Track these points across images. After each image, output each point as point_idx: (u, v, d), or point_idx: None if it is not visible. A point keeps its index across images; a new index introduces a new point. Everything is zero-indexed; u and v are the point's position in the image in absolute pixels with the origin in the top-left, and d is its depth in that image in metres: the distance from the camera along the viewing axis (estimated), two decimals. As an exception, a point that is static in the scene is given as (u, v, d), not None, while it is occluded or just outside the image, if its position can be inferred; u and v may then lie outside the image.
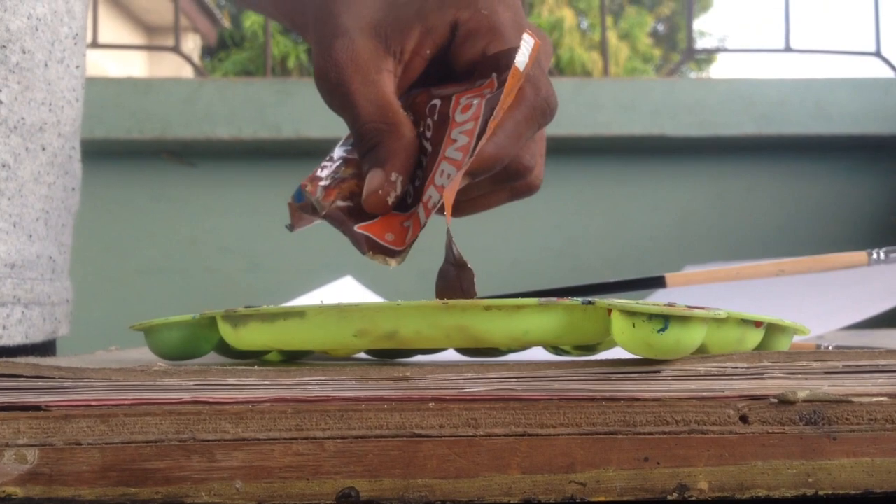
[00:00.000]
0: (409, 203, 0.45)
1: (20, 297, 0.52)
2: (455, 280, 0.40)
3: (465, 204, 0.47)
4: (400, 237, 0.44)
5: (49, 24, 0.53)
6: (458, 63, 0.45)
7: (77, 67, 0.56)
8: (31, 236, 0.52)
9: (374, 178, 0.43)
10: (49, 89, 0.53)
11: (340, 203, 0.45)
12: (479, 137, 0.41)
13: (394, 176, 0.43)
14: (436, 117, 0.44)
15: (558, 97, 0.44)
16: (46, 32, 0.52)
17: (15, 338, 0.51)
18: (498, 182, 0.46)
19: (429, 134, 0.45)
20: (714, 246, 1.36)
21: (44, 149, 0.53)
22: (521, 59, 0.41)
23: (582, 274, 1.33)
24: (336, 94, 0.44)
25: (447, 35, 0.45)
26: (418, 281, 1.29)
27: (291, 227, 0.48)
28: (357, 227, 0.44)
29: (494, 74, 0.43)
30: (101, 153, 1.30)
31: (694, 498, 0.30)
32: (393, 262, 0.44)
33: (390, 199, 0.43)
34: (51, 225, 0.55)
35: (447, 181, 0.42)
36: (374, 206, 0.43)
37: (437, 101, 0.45)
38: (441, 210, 0.41)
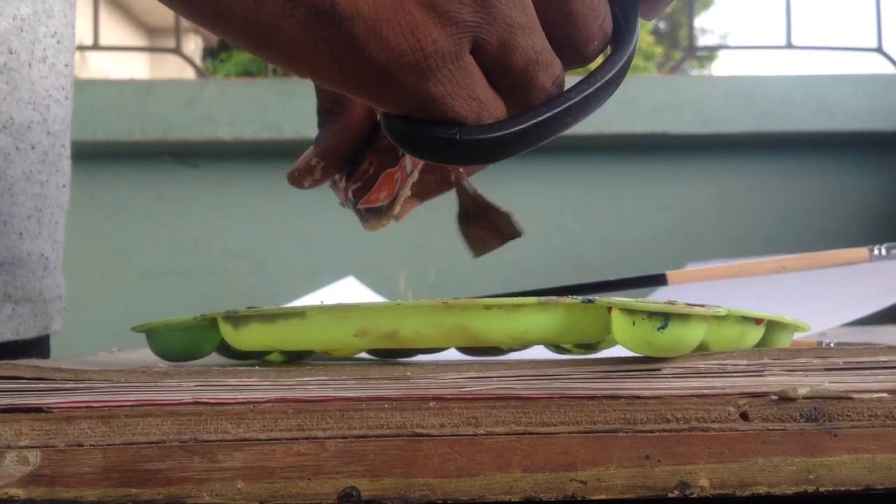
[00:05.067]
0: (399, 155, 0.44)
1: (10, 294, 0.52)
2: (484, 220, 0.41)
3: None
4: (390, 191, 0.44)
5: (31, 25, 0.53)
6: None
7: (66, 66, 0.56)
8: (21, 234, 0.53)
9: (301, 157, 0.43)
10: (33, 88, 0.53)
11: (353, 187, 0.45)
12: None
13: (314, 161, 0.43)
14: None
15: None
16: (29, 33, 0.53)
17: (5, 334, 0.52)
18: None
19: None
20: (716, 244, 1.36)
21: (33, 147, 0.53)
22: None
23: (584, 272, 1.33)
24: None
25: None
26: (420, 280, 1.29)
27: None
28: (360, 205, 0.45)
29: None
30: (103, 155, 1.31)
31: (695, 495, 0.30)
32: (385, 221, 0.44)
33: (305, 183, 0.43)
34: (44, 223, 0.55)
35: None
36: (290, 181, 0.44)
37: None
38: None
